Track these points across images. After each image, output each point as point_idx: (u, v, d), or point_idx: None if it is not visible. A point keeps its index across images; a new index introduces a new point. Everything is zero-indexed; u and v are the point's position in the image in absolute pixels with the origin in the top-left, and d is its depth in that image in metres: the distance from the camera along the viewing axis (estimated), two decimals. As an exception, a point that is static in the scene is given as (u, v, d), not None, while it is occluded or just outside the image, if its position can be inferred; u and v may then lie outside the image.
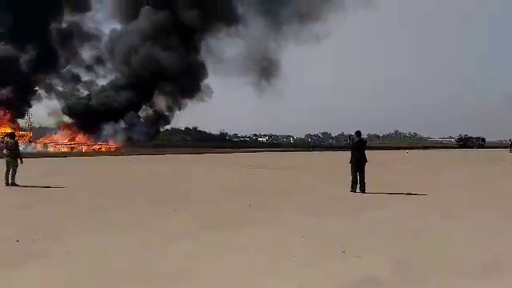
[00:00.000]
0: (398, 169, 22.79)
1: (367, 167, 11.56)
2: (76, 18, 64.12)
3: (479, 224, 7.70)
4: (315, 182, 14.98)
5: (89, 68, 64.61)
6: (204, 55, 63.44)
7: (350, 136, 12.44)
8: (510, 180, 17.07)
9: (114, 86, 55.45)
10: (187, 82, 59.61)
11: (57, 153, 38.04)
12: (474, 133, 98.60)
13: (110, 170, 20.42)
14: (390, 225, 7.45)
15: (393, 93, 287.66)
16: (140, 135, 55.42)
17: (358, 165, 11.45)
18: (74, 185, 12.90)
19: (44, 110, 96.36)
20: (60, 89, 63.06)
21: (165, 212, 8.40)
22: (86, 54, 65.28)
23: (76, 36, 63.89)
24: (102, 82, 61.84)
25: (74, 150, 42.95)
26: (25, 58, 55.33)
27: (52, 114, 58.51)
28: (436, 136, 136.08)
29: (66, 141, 48.16)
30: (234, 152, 48.12)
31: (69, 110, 54.38)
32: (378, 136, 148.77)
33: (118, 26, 61.34)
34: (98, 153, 40.52)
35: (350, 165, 11.68)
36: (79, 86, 61.52)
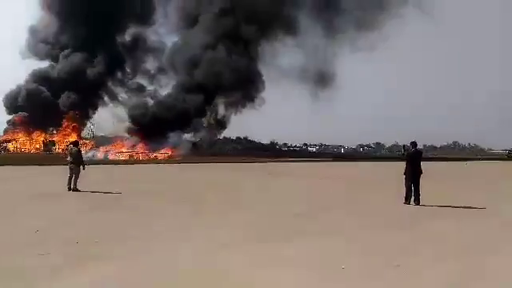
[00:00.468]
0: (455, 181, 21.66)
1: (422, 179, 11.12)
2: (140, 30, 67.62)
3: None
4: (366, 193, 14.59)
5: (152, 78, 67.77)
6: (260, 64, 64.13)
7: (404, 146, 12.01)
8: None
9: (177, 94, 56.95)
10: (245, 89, 60.74)
11: (116, 160, 40.01)
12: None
13: (165, 178, 21.11)
14: (445, 238, 7.09)
15: (451, 102, 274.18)
16: (202, 142, 57.27)
17: (413, 176, 11.03)
18: (129, 191, 13.47)
19: (107, 118, 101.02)
20: (124, 97, 66.46)
21: (216, 220, 8.53)
22: (150, 64, 68.60)
23: (140, 48, 67.36)
24: (164, 92, 64.29)
25: (133, 158, 44.87)
26: (93, 69, 59.07)
27: (115, 122, 61.73)
28: (499, 148, 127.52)
29: (125, 149, 50.42)
30: (284, 161, 48.09)
31: (133, 118, 56.79)
32: (435, 147, 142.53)
33: (179, 38, 63.22)
34: (156, 161, 42.14)
35: (404, 176, 11.28)
36: (143, 95, 64.25)
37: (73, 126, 61.85)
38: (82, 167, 13.20)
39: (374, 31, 65.78)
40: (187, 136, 61.11)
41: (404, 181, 11.27)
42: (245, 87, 60.63)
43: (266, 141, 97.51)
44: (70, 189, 12.79)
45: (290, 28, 63.57)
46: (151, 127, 52.66)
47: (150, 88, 67.28)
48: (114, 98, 67.36)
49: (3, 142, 60.69)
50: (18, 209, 9.54)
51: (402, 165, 11.64)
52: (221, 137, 72.39)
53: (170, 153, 49.97)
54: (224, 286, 4.52)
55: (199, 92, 55.42)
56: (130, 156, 46.56)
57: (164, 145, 52.18)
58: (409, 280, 4.80)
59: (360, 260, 5.58)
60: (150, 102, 59.94)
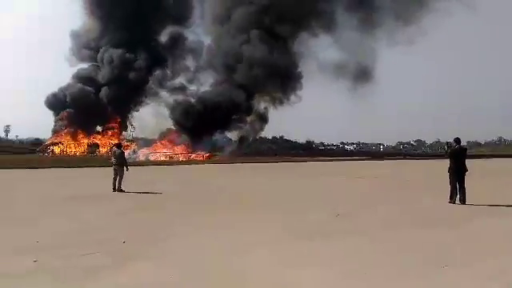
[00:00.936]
0: (502, 178, 20.70)
1: (467, 177, 10.72)
2: (178, 30, 69.13)
3: None
4: (408, 192, 14.23)
5: (191, 77, 69.02)
6: (297, 60, 63.62)
7: (447, 143, 11.60)
8: None
9: (218, 93, 57.47)
10: (282, 87, 60.69)
11: (157, 161, 41.09)
12: None
13: (204, 178, 21.48)
14: (492, 238, 6.83)
15: (495, 97, 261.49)
16: (244, 140, 57.76)
17: (458, 174, 10.65)
18: (170, 191, 13.82)
19: (148, 120, 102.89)
20: (166, 96, 67.97)
21: (253, 218, 8.61)
22: (189, 63, 69.88)
23: (179, 47, 68.84)
24: (203, 90, 64.91)
25: (173, 159, 45.93)
26: (134, 69, 60.88)
27: (157, 121, 63.16)
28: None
29: (166, 150, 51.62)
30: (320, 161, 47.68)
31: (175, 117, 57.97)
32: (479, 143, 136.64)
33: (216, 37, 63.80)
34: (195, 161, 42.96)
35: (448, 174, 10.92)
36: (184, 95, 65.35)
37: (115, 129, 64.08)
38: (125, 168, 13.68)
39: (412, 25, 63.65)
40: (229, 134, 61.69)
41: (448, 179, 10.92)
42: (283, 85, 60.57)
43: (302, 140, 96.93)
44: (114, 189, 13.28)
45: (327, 23, 62.90)
46: (193, 126, 53.48)
47: (189, 87, 68.38)
48: (155, 97, 69.09)
49: (50, 145, 63.70)
50: (65, 209, 9.99)
51: (445, 163, 11.28)
52: (258, 135, 72.51)
53: (208, 153, 50.74)
54: (261, 285, 4.57)
55: (239, 90, 55.73)
56: (170, 157, 47.64)
57: (205, 144, 52.96)
58: (455, 279, 4.68)
59: (403, 259, 5.48)
60: (191, 100, 60.53)
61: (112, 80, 60.79)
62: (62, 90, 63.12)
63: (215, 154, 50.48)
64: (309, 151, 77.99)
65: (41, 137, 72.31)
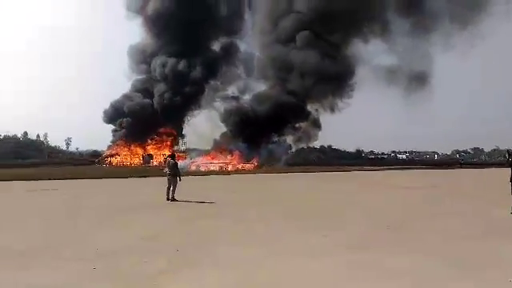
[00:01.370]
0: None
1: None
2: (230, 40, 70.81)
3: None
4: (464, 203, 13.59)
5: (243, 86, 70.13)
6: (349, 67, 61.88)
7: (508, 151, 11.02)
8: None
9: (270, 101, 57.09)
10: (334, 94, 60.07)
11: (208, 171, 42.01)
12: None
13: (254, 187, 21.69)
14: None
15: None
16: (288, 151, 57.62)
17: (520, 184, 10.09)
18: (222, 200, 14.11)
19: (201, 130, 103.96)
20: (218, 105, 69.43)
21: (306, 229, 8.61)
22: (240, 73, 71.17)
23: (231, 57, 70.42)
24: (255, 99, 65.10)
25: (224, 169, 46.76)
26: (189, 80, 62.89)
27: (208, 133, 64.28)
28: None
29: (216, 160, 52.60)
30: (371, 170, 46.51)
31: (228, 126, 58.80)
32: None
33: (267, 45, 64.03)
34: (245, 171, 43.51)
35: (510, 183, 10.35)
36: (236, 104, 66.16)
37: (168, 140, 66.32)
38: (178, 178, 14.17)
39: (469, 29, 60.63)
40: (281, 143, 61.54)
41: (510, 189, 10.35)
42: (333, 92, 59.92)
43: (351, 149, 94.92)
44: (168, 199, 13.77)
45: (379, 28, 61.49)
46: (246, 134, 53.93)
47: (242, 97, 69.30)
48: (208, 107, 70.89)
49: (107, 157, 66.97)
50: (123, 218, 10.47)
51: (506, 172, 10.70)
52: (308, 144, 71.93)
53: (259, 163, 51.16)
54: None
55: (291, 97, 55.63)
56: (220, 168, 48.51)
57: (257, 154, 53.35)
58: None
59: (465, 274, 5.29)
60: (245, 107, 60.74)
61: (167, 91, 63.31)
62: (119, 102, 66.32)
63: (267, 164, 50.69)
64: (358, 160, 76.28)
65: (98, 148, 76.28)
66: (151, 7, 64.76)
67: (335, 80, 57.69)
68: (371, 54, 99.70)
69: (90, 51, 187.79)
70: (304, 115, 61.23)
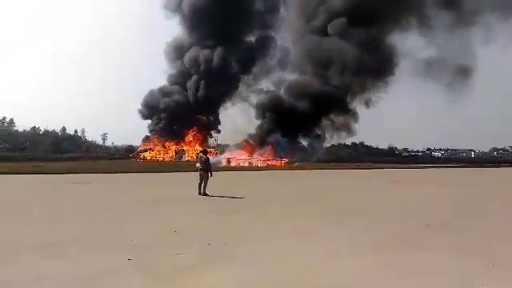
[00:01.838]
0: None
1: None
2: (264, 33, 70.87)
3: None
4: (503, 202, 13.04)
5: (278, 80, 70.03)
6: (387, 60, 60.58)
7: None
8: None
9: (306, 95, 56.61)
10: (372, 86, 58.85)
11: (238, 167, 42.34)
12: None
13: (284, 184, 21.66)
14: None
15: None
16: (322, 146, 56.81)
17: None
18: (252, 195, 14.15)
19: (232, 124, 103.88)
20: (251, 100, 69.66)
21: (338, 226, 8.50)
22: (276, 67, 71.03)
23: (266, 51, 70.48)
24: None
25: (255, 165, 46.98)
26: (224, 73, 63.31)
27: (240, 128, 64.49)
28: None
29: (247, 156, 52.85)
30: (404, 168, 45.48)
31: (263, 117, 58.50)
32: None
33: (303, 39, 63.19)
34: (275, 167, 43.54)
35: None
36: (273, 95, 65.83)
37: (201, 133, 67.16)
38: (210, 174, 14.32)
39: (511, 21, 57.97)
40: (312, 139, 60.87)
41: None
42: (373, 85, 58.60)
43: (383, 146, 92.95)
44: (200, 193, 13.94)
45: (417, 20, 59.60)
46: (281, 126, 53.43)
47: (276, 89, 69.12)
48: (242, 101, 71.31)
49: (141, 151, 68.58)
50: (156, 211, 10.64)
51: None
52: (340, 141, 71.00)
53: (288, 159, 50.99)
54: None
55: (332, 89, 54.65)
56: (251, 163, 48.74)
57: (294, 148, 53.07)
58: None
59: (503, 276, 5.06)
60: (280, 101, 59.97)
61: (200, 85, 64.11)
62: (154, 96, 67.57)
63: (298, 160, 50.45)
64: (391, 158, 74.71)
65: (133, 143, 78.12)
66: (188, 3, 65.66)
67: (375, 73, 56.31)
68: (408, 47, 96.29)
69: (128, 50, 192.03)
70: (345, 108, 59.96)
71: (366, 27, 55.57)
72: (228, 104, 71.30)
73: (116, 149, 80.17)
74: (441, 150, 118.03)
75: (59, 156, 54.29)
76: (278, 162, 49.71)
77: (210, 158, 17.30)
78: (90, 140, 77.13)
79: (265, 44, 69.96)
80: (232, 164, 46.98)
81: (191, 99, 64.82)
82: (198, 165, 14.76)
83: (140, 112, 69.30)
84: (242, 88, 70.75)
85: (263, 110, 59.60)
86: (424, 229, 8.30)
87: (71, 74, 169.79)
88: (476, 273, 5.23)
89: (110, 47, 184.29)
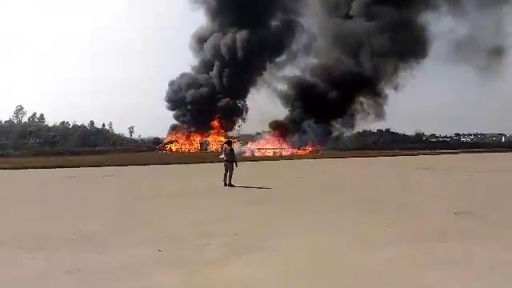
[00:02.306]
0: None
1: None
2: (290, 18, 70.01)
3: None
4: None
5: (303, 66, 69.13)
6: (418, 40, 58.05)
7: None
8: None
9: (333, 81, 55.05)
10: (402, 67, 57.21)
11: (263, 157, 42.37)
12: None
13: (310, 173, 21.56)
14: None
15: None
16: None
17: None
18: (278, 186, 14.16)
19: (257, 113, 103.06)
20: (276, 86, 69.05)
21: (366, 216, 8.41)
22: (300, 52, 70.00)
23: (290, 36, 69.75)
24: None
25: (280, 154, 46.90)
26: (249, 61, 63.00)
27: (265, 116, 63.92)
28: None
29: (271, 145, 52.69)
30: (432, 154, 44.47)
31: (291, 99, 57.61)
32: None
33: (330, 24, 61.66)
34: (300, 156, 43.33)
35: None
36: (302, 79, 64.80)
37: (224, 126, 67.43)
38: (234, 164, 14.39)
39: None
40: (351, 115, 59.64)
41: None
42: (403, 67, 56.82)
43: (410, 132, 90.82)
44: (225, 184, 14.05)
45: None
46: (311, 108, 52.39)
47: (302, 74, 68.25)
48: (268, 86, 71.09)
49: (167, 143, 69.52)
50: (183, 203, 10.81)
51: None
52: (372, 125, 69.71)
53: (313, 148, 50.61)
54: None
55: (357, 73, 53.47)
56: (274, 153, 48.67)
57: (314, 138, 52.52)
58: None
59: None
60: (310, 84, 58.40)
61: (225, 71, 64.29)
62: (179, 85, 68.20)
63: (322, 149, 50.01)
64: (418, 144, 73.14)
65: (160, 135, 79.19)
66: None
67: (405, 55, 54.55)
68: (437, 28, 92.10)
69: (154, 45, 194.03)
70: (374, 89, 58.35)
71: (394, 6, 53.48)
72: (253, 91, 71.32)
73: (143, 141, 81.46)
74: (470, 134, 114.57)
75: (88, 149, 55.70)
76: (304, 151, 49.38)
77: (235, 148, 17.35)
78: (117, 133, 78.60)
79: (289, 29, 69.06)
80: (256, 154, 47.01)
81: (217, 86, 65.02)
82: (222, 155, 14.85)
83: (166, 102, 70.39)
84: (267, 74, 70.46)
85: (292, 95, 58.48)
86: (453, 217, 8.12)
87: (97, 70, 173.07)
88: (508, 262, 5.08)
89: (135, 43, 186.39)
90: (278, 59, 70.92)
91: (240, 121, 73.42)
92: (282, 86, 65.49)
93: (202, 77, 67.82)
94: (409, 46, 54.87)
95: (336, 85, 52.83)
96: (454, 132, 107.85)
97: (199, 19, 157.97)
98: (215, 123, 67.09)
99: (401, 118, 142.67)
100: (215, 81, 65.45)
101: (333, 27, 57.81)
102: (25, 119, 73.13)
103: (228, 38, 64.06)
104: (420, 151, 50.21)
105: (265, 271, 4.93)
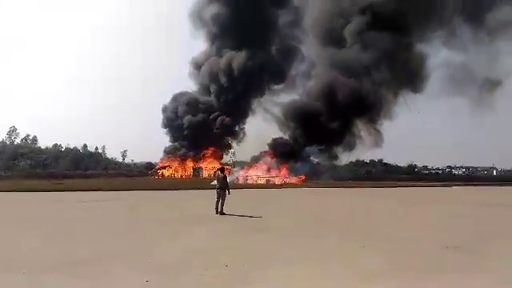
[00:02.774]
0: None
1: None
2: (289, 45, 70.94)
3: None
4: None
5: (301, 92, 69.72)
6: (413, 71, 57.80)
7: None
8: None
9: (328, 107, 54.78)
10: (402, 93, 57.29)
11: (255, 185, 42.19)
12: None
13: (301, 202, 21.45)
14: None
15: None
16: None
17: None
18: (269, 215, 14.02)
19: (250, 140, 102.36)
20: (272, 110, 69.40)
21: (353, 248, 8.30)
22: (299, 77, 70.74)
23: (289, 62, 70.63)
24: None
25: (271, 183, 46.70)
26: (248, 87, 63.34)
27: (258, 142, 63.75)
28: None
29: (262, 174, 52.44)
30: (423, 186, 44.60)
31: (288, 120, 57.72)
32: None
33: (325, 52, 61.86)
34: (291, 185, 43.18)
35: None
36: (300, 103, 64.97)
37: (219, 151, 67.43)
38: (227, 192, 14.26)
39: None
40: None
41: None
42: (402, 95, 57.19)
43: (402, 163, 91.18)
44: (217, 212, 13.87)
45: (445, 32, 58.41)
46: (315, 137, 52.48)
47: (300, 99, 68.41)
48: (264, 111, 71.57)
49: (160, 169, 69.17)
50: (173, 230, 10.62)
51: None
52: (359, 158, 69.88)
53: (304, 177, 50.50)
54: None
55: (358, 100, 53.12)
56: (267, 181, 48.52)
57: (304, 167, 52.43)
58: None
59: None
60: (310, 108, 57.23)
61: (222, 95, 64.93)
62: (176, 108, 68.53)
63: (315, 179, 49.88)
64: (411, 176, 73.45)
65: (153, 159, 78.89)
66: (211, 16, 67.39)
67: (406, 82, 54.95)
68: (431, 58, 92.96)
69: (153, 71, 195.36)
70: (374, 117, 58.07)
71: (392, 35, 54.06)
72: (250, 116, 71.83)
73: (135, 166, 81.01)
74: (462, 167, 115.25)
75: (79, 172, 55.22)
76: (296, 180, 49.22)
77: (228, 175, 17.27)
78: (109, 157, 78.18)
79: (288, 55, 70.20)
80: (249, 181, 46.85)
81: (215, 105, 65.38)
82: (214, 182, 14.74)
83: (164, 126, 70.79)
84: (264, 99, 71.17)
85: (290, 120, 58.34)
86: (443, 251, 8.05)
87: (92, 92, 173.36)
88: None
89: (132, 62, 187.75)
90: (276, 87, 71.89)
91: (235, 145, 73.47)
92: (279, 111, 65.71)
93: (202, 98, 68.48)
94: (406, 77, 55.58)
95: (335, 108, 52.70)
96: (446, 164, 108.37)
97: (199, 46, 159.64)
98: (209, 152, 67.15)
99: (393, 148, 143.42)
100: (214, 100, 65.97)
101: (328, 56, 58.56)
102: (18, 140, 72.74)
103: (225, 60, 64.99)
104: (413, 183, 50.43)
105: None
